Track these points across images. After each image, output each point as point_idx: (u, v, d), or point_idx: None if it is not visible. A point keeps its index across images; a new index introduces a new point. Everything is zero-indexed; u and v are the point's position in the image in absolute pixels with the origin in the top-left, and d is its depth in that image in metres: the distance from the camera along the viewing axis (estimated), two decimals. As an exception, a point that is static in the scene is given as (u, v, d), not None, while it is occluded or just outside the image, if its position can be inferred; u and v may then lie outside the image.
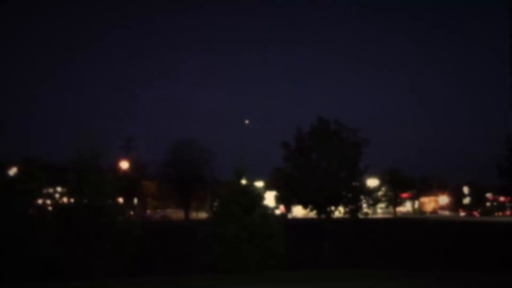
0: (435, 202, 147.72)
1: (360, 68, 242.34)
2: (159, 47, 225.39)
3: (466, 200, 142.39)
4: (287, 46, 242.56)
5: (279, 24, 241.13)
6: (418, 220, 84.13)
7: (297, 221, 79.96)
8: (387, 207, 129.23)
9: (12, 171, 22.41)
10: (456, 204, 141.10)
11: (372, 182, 52.45)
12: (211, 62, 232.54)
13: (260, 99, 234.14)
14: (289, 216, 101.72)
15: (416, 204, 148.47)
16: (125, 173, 79.94)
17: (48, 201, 23.71)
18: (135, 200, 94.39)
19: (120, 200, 25.16)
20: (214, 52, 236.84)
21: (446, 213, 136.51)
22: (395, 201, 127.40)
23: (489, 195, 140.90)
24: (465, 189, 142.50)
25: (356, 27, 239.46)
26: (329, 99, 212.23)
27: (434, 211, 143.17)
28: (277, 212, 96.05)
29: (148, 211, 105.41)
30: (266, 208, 25.00)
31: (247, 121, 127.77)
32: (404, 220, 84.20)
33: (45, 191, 24.07)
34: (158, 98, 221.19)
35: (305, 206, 45.11)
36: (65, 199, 23.43)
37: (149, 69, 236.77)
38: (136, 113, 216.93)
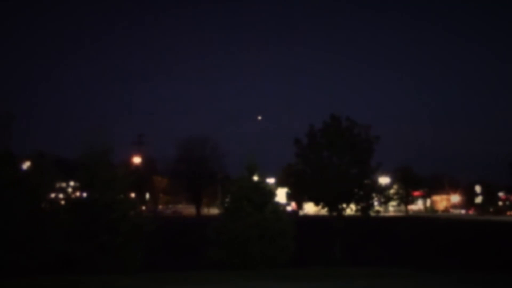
0: (447, 201, 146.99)
1: (366, 66, 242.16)
2: (171, 43, 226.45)
3: (478, 199, 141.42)
4: (300, 44, 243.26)
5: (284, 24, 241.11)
6: (430, 219, 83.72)
7: (308, 218, 79.85)
8: (398, 205, 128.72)
9: (26, 165, 22.63)
10: (468, 202, 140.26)
11: (383, 180, 52.31)
12: (224, 60, 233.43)
13: (274, 97, 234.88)
14: (301, 213, 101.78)
15: (428, 202, 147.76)
16: (137, 168, 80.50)
17: (61, 195, 23.93)
18: (147, 196, 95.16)
19: (132, 195, 25.28)
20: (226, 50, 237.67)
21: (462, 211, 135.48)
22: (406, 199, 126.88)
23: (501, 194, 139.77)
24: (477, 188, 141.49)
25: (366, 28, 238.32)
26: (339, 97, 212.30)
27: (446, 210, 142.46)
28: (288, 209, 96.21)
29: (160, 207, 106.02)
30: (277, 204, 25.05)
31: (259, 117, 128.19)
32: (416, 218, 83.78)
33: (57, 185, 24.29)
34: (170, 95, 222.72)
35: (316, 203, 45.05)
36: (77, 194, 23.63)
37: (163, 66, 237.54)
38: (148, 109, 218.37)
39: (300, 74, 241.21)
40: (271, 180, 73.81)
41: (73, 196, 24.10)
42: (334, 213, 44.29)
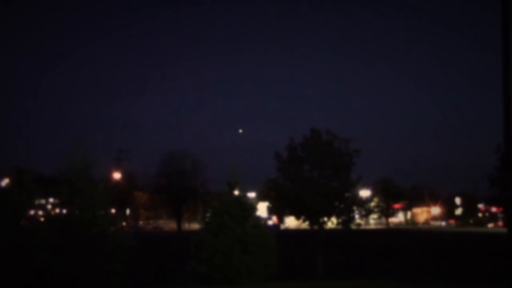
0: (428, 213, 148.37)
1: (347, 75, 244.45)
2: (150, 54, 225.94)
3: (458, 211, 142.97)
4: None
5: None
6: (410, 231, 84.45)
7: (290, 232, 79.97)
8: (379, 218, 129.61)
9: (4, 182, 22.42)
10: (448, 214, 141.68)
11: (364, 193, 52.59)
12: (203, 72, 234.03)
13: (254, 110, 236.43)
14: (282, 227, 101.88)
15: (409, 214, 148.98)
16: (117, 183, 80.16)
17: (40, 212, 23.71)
18: (127, 211, 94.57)
19: (112, 210, 25.11)
20: (206, 61, 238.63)
21: (442, 223, 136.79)
22: (387, 212, 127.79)
23: (481, 206, 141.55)
24: (457, 200, 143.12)
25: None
26: (318, 110, 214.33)
27: (426, 222, 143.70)
28: (270, 223, 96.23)
29: (141, 222, 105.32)
30: (258, 219, 25.14)
31: (240, 130, 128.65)
32: (396, 231, 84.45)
33: (37, 202, 24.05)
34: (149, 109, 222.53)
35: (297, 217, 45.18)
36: (57, 210, 23.42)
37: (139, 79, 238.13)
38: (128, 123, 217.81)
39: (284, 87, 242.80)
40: (252, 194, 73.93)
41: (52, 212, 23.92)
42: (315, 227, 44.55)
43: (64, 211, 22.21)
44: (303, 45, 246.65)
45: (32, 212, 22.50)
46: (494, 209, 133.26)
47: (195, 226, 70.19)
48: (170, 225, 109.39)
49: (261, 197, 76.11)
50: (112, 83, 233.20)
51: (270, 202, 50.71)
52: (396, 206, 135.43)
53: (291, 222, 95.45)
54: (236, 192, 25.48)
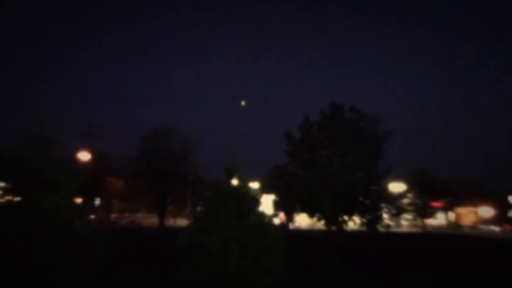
0: (475, 214, 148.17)
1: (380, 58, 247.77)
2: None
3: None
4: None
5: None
6: (458, 237, 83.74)
7: (301, 232, 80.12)
8: (414, 218, 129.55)
9: None
10: (501, 217, 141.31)
11: (395, 187, 52.55)
12: (199, 41, 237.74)
13: (260, 89, 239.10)
14: (291, 226, 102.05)
15: (451, 215, 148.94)
16: (85, 167, 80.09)
17: (-12, 199, 23.72)
18: (97, 201, 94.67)
19: (79, 200, 25.10)
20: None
21: (495, 228, 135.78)
22: (424, 212, 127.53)
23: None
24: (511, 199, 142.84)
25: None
26: (341, 89, 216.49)
27: (474, 226, 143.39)
28: (276, 221, 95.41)
29: (113, 215, 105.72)
30: (262, 215, 25.06)
31: (243, 103, 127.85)
32: (436, 236, 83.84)
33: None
34: (132, 78, 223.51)
35: (311, 215, 45.28)
36: (9, 197, 23.42)
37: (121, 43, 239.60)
38: (102, 95, 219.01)
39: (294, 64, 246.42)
40: (255, 185, 73.81)
41: (3, 199, 23.95)
42: (333, 227, 44.55)
43: (18, 198, 22.21)
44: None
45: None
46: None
47: (183, 222, 70.40)
48: (150, 219, 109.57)
49: (265, 188, 75.85)
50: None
51: (277, 194, 50.52)
52: (435, 204, 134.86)
53: (302, 220, 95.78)
54: (235, 182, 25.42)
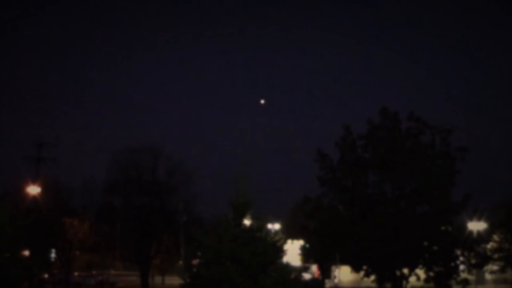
0: None
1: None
2: None
3: None
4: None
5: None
6: None
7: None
8: (503, 270, 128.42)
9: None
10: None
11: (475, 226, 51.60)
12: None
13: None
14: (328, 283, 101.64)
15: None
16: (34, 205, 79.47)
17: None
18: (53, 254, 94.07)
19: (26, 253, 25.36)
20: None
21: None
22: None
23: None
24: None
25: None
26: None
27: None
28: (306, 276, 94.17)
29: (76, 274, 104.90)
30: (286, 269, 25.12)
31: (262, 101, 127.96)
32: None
33: None
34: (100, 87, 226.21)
35: (356, 267, 44.94)
36: None
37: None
38: (58, 104, 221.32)
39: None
40: (275, 227, 72.82)
41: None
42: (388, 285, 44.21)
43: None
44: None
45: None
46: None
47: (174, 280, 69.84)
48: (129, 278, 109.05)
49: (291, 232, 75.03)
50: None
51: (308, 239, 50.42)
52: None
53: (345, 275, 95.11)
54: (247, 222, 25.49)
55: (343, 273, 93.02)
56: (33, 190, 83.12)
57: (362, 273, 45.08)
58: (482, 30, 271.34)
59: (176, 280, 33.46)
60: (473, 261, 46.62)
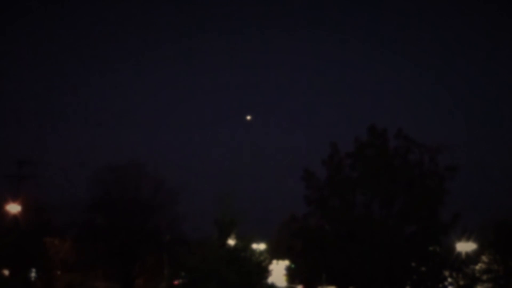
0: None
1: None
2: None
3: None
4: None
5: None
6: None
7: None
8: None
9: None
10: None
11: (464, 246, 51.07)
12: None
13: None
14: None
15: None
16: (14, 223, 78.89)
17: None
18: (33, 273, 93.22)
19: (6, 272, 25.08)
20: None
21: None
22: (507, 281, 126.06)
23: None
24: None
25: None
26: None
27: None
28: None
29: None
30: (272, 290, 24.91)
31: (249, 117, 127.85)
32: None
33: None
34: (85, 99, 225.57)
35: (342, 288, 44.54)
36: None
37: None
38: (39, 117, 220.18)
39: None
40: (260, 247, 72.23)
41: None
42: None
43: None
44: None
45: None
46: None
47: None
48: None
49: (277, 251, 74.60)
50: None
51: (294, 259, 49.85)
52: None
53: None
54: (232, 242, 25.33)
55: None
56: (13, 208, 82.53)
57: (349, 294, 44.55)
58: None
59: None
60: (461, 282, 46.45)
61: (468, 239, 53.15)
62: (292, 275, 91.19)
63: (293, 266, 54.29)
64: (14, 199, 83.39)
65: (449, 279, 44.80)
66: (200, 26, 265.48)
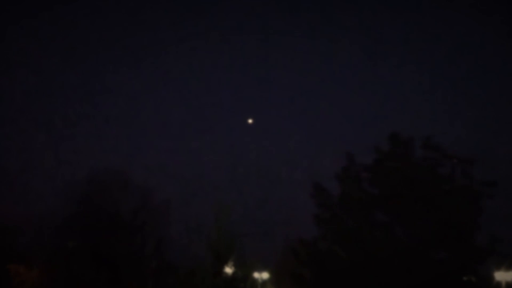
0: None
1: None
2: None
3: None
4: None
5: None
6: None
7: None
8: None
9: None
10: None
11: (504, 276, 48.84)
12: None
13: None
14: None
15: None
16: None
17: None
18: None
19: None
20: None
21: None
22: None
23: None
24: None
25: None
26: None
27: None
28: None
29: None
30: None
31: (250, 121, 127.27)
32: None
33: None
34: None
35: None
36: None
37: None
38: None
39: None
40: (263, 276, 68.69)
41: None
42: None
43: None
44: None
45: None
46: None
47: None
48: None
49: (282, 281, 70.93)
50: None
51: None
52: None
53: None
54: (230, 270, 22.89)
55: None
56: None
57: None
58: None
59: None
60: (501, 320, 42.93)
61: (508, 267, 50.33)
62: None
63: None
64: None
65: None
66: (200, 26, 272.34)
